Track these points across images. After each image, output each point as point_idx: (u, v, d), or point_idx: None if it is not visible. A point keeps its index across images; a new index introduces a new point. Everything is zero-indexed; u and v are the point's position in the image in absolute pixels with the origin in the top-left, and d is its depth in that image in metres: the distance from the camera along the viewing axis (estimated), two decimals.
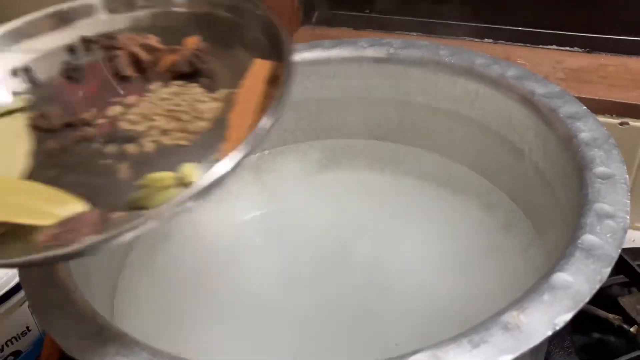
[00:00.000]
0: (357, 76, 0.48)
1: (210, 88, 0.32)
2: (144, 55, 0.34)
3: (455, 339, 0.25)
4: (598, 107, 0.53)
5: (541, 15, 0.62)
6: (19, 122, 0.32)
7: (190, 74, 0.33)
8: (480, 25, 0.65)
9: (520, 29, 0.63)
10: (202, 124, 0.30)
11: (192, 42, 0.33)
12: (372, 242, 0.45)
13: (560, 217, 0.38)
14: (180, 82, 0.33)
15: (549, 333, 0.25)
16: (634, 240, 0.56)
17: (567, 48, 0.61)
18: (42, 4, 0.36)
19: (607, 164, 0.34)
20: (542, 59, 0.60)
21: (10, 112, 0.32)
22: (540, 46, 0.62)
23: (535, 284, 0.28)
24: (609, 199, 0.32)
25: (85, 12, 0.37)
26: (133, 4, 0.37)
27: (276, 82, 0.29)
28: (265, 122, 0.25)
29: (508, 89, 0.42)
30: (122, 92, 0.33)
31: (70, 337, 0.28)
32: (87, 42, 0.36)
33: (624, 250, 0.48)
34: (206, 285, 0.43)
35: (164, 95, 0.31)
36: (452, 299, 0.40)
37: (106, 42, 0.35)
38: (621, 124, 0.53)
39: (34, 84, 0.34)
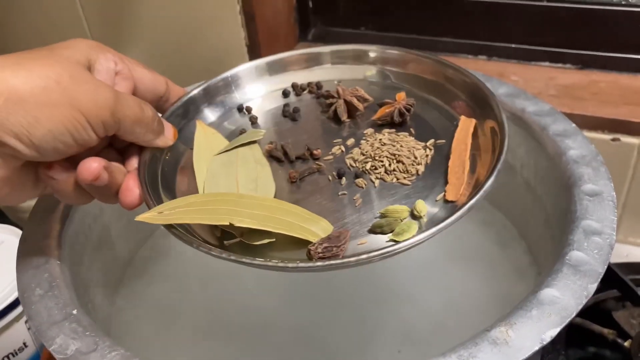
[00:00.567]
0: None
1: (421, 137, 0.37)
2: (357, 104, 0.40)
3: (444, 354, 0.26)
4: (590, 123, 0.54)
5: (534, 33, 0.62)
6: (257, 152, 0.38)
7: (398, 124, 0.39)
8: (475, 42, 0.65)
9: (513, 46, 0.64)
10: (419, 168, 0.35)
11: (401, 96, 0.39)
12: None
13: (549, 233, 0.39)
14: (391, 130, 0.39)
15: (537, 348, 0.26)
16: (627, 255, 0.55)
17: (560, 65, 0.62)
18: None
19: (594, 181, 0.35)
20: (535, 75, 0.61)
21: (247, 143, 0.38)
22: (534, 63, 0.63)
23: (524, 300, 0.28)
24: (597, 216, 0.32)
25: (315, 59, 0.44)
26: (358, 58, 0.44)
27: (477, 134, 0.36)
28: (491, 182, 0.30)
29: None
30: (343, 134, 0.39)
31: (68, 353, 0.28)
32: (298, 88, 0.43)
33: (617, 265, 0.49)
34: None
35: (384, 140, 0.37)
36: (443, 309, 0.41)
37: (322, 91, 0.42)
38: (613, 139, 0.53)
39: (253, 121, 0.41)
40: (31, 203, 0.40)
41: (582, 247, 0.31)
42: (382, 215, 0.32)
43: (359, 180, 0.35)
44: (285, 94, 0.43)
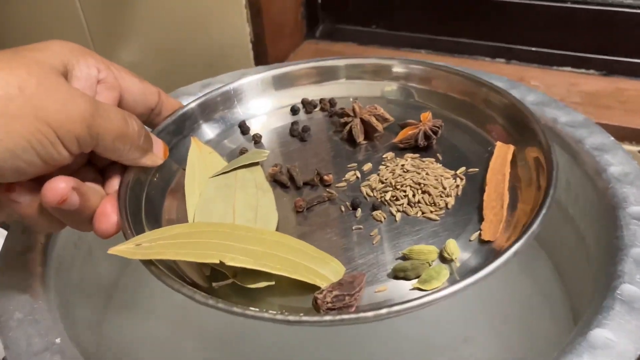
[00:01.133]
0: None
1: (449, 165, 0.33)
2: (376, 124, 0.35)
3: None
4: (616, 133, 0.50)
5: (556, 36, 0.58)
6: (259, 175, 0.32)
7: (423, 148, 0.34)
8: (493, 44, 0.62)
9: (534, 49, 0.60)
10: (448, 200, 0.30)
11: (427, 116, 0.34)
12: None
13: (585, 259, 0.35)
14: (414, 155, 0.34)
15: None
16: None
17: (583, 70, 0.58)
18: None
19: None
20: (556, 80, 0.57)
21: (248, 165, 0.33)
22: (555, 68, 0.59)
23: (571, 342, 0.25)
24: None
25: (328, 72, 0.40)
26: (377, 73, 0.39)
27: (515, 163, 0.31)
28: (539, 221, 0.26)
29: None
30: (358, 157, 0.34)
31: None
32: (308, 105, 0.38)
33: None
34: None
35: (407, 167, 0.32)
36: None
37: (336, 109, 0.37)
38: None
39: (256, 140, 0.36)
40: None
41: (634, 280, 0.27)
42: (406, 257, 0.27)
43: (377, 213, 0.30)
44: (294, 110, 0.38)
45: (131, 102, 0.31)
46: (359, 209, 0.30)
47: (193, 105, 0.36)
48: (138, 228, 0.28)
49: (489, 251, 0.27)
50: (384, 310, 0.22)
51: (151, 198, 0.31)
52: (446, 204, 0.30)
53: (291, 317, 0.23)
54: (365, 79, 0.39)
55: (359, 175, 0.33)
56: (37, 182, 0.26)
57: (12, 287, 0.31)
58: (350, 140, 0.35)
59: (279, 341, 0.38)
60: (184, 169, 0.33)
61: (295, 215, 0.31)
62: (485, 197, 0.30)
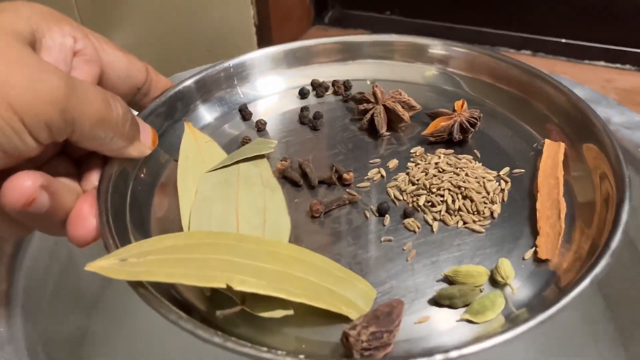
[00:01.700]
0: None
1: (489, 164, 0.28)
2: (402, 112, 0.30)
3: None
4: None
5: (589, 27, 0.57)
6: (266, 170, 0.27)
7: (457, 142, 0.29)
8: (518, 35, 0.60)
9: (563, 41, 0.59)
10: (494, 207, 0.26)
11: (461, 105, 0.30)
12: None
13: None
14: (447, 151, 0.29)
15: None
16: None
17: (618, 65, 0.57)
18: None
19: None
20: (588, 76, 0.56)
21: (252, 158, 0.28)
22: (586, 61, 0.58)
23: None
24: None
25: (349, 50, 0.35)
26: (406, 53, 0.35)
27: (567, 163, 0.27)
28: (616, 243, 0.22)
29: None
30: (381, 151, 0.30)
31: None
32: (319, 87, 0.34)
33: None
34: None
35: (442, 165, 0.27)
36: None
37: (352, 93, 0.33)
38: None
39: (260, 127, 0.31)
40: None
41: None
42: (450, 279, 0.23)
43: (410, 221, 0.25)
44: (302, 94, 0.33)
45: (114, 79, 0.26)
46: (387, 216, 0.26)
47: (187, 83, 0.30)
48: (122, 234, 0.23)
49: (547, 273, 0.23)
50: (438, 357, 0.18)
51: (137, 197, 0.26)
52: (491, 213, 0.25)
53: None
54: (392, 59, 0.35)
55: (383, 173, 0.28)
56: None
57: None
58: (371, 130, 0.30)
59: None
60: (176, 161, 0.28)
61: (311, 222, 0.26)
62: (538, 205, 0.25)
